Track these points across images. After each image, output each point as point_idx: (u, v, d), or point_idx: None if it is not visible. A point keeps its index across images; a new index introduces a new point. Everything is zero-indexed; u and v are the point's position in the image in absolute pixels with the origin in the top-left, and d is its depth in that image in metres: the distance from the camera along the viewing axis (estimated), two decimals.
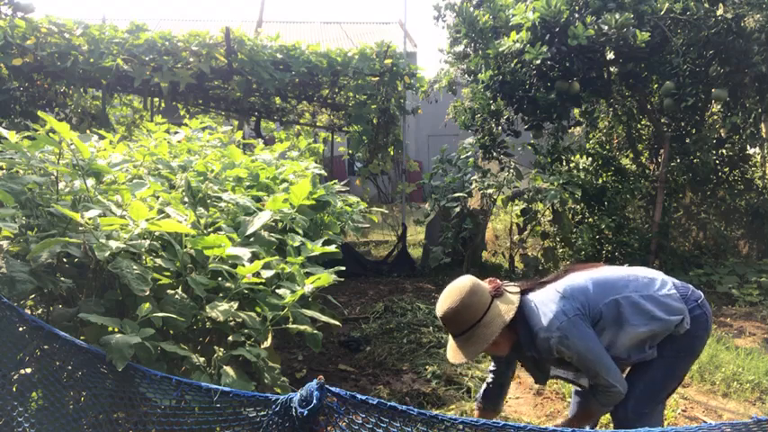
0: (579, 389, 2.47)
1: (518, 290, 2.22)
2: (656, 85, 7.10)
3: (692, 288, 2.31)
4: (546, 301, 2.16)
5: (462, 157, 7.71)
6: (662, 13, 6.15)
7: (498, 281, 2.22)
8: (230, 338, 2.05)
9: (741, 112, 6.33)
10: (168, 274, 2.01)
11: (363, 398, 1.36)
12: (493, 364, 2.57)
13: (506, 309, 2.12)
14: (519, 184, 6.90)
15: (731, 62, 6.23)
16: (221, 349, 2.03)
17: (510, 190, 6.86)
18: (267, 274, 2.13)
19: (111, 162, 2.50)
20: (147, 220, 1.87)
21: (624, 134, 8.15)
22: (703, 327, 2.24)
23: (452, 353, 2.19)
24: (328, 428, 1.40)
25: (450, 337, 2.21)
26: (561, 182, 6.27)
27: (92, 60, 6.05)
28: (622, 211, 6.97)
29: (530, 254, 6.89)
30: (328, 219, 3.48)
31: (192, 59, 6.46)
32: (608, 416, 2.97)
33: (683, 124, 7.28)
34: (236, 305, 2.01)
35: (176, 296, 1.96)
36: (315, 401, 1.35)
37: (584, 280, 2.24)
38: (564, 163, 7.12)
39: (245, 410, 1.53)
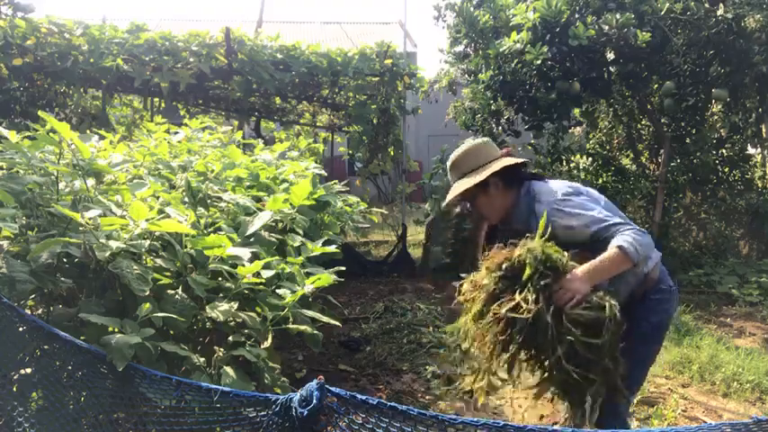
0: None
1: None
2: (656, 86, 7.10)
3: None
4: (556, 182, 2.32)
5: None
6: (662, 13, 6.14)
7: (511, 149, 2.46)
8: (230, 338, 2.04)
9: (741, 112, 6.33)
10: (168, 274, 2.01)
11: (363, 398, 1.36)
12: None
13: (513, 160, 2.30)
14: None
15: (731, 62, 6.23)
16: (221, 349, 2.03)
17: None
18: (267, 274, 2.12)
19: (111, 162, 2.50)
20: (147, 220, 1.86)
21: (624, 134, 8.15)
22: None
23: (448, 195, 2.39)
24: (328, 428, 1.40)
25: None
26: None
27: (92, 60, 6.05)
28: (622, 211, 6.96)
29: None
30: (328, 219, 3.48)
31: (192, 59, 6.45)
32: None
33: (683, 124, 7.28)
34: (236, 305, 2.00)
35: (176, 296, 1.95)
36: (315, 401, 1.35)
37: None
38: (564, 163, 7.12)
39: (245, 410, 1.53)
